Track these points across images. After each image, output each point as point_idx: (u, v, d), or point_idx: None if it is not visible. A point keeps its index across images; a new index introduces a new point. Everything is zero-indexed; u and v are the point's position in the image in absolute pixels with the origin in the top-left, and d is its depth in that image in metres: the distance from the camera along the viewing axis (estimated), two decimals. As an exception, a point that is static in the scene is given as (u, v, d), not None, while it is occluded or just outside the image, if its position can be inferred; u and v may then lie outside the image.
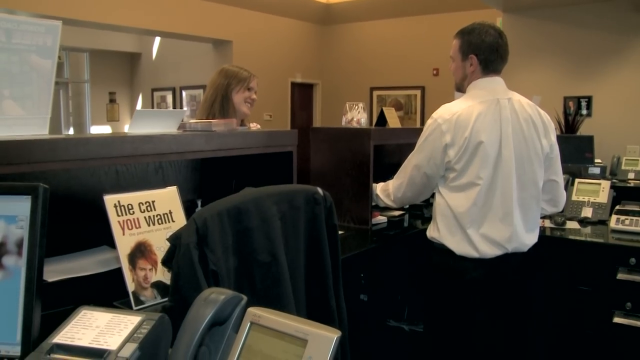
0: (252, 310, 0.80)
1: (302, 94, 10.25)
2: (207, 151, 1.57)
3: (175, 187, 1.48)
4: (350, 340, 2.39)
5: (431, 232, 2.14)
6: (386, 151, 3.14)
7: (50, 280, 1.28)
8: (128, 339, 0.80)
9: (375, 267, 2.53)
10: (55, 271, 1.33)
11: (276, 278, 1.27)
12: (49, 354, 0.78)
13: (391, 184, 2.30)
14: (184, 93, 9.48)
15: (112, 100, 9.64)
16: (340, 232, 2.44)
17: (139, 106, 10.49)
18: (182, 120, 1.67)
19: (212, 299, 0.81)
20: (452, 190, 2.02)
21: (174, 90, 9.70)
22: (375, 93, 10.03)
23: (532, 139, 2.03)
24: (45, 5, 6.49)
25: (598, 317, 2.46)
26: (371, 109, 10.04)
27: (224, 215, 1.20)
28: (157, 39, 9.92)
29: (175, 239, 1.17)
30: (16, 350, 0.82)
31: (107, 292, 1.33)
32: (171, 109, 9.63)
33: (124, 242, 1.32)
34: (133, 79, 10.70)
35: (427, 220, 2.66)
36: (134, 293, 1.31)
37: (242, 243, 1.23)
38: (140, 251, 1.34)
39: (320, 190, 1.43)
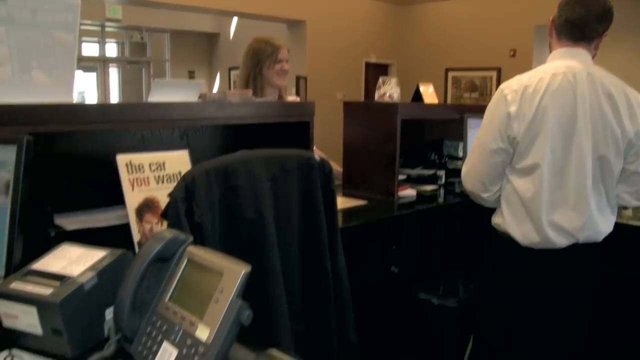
0: (190, 248, 0.91)
1: (377, 74, 10.16)
2: (218, 119, 1.69)
3: (187, 150, 1.62)
4: (375, 310, 2.46)
5: (496, 219, 2.02)
6: (426, 127, 3.16)
7: (69, 228, 1.46)
8: (89, 269, 0.94)
9: (407, 240, 2.58)
10: (76, 222, 1.50)
11: (261, 235, 1.37)
12: (25, 276, 0.93)
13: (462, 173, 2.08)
14: (259, 72, 9.73)
15: (191, 79, 10.08)
16: (363, 203, 2.53)
17: (216, 85, 10.90)
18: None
19: (159, 237, 0.92)
20: (519, 174, 1.89)
21: (249, 69, 9.98)
22: (451, 74, 9.85)
23: (610, 120, 1.82)
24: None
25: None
26: (446, 90, 9.87)
27: (212, 173, 1.31)
28: (235, 20, 10.23)
29: (170, 195, 1.31)
30: (0, 273, 0.98)
31: (120, 241, 1.48)
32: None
33: (133, 197, 1.47)
34: (211, 58, 11.12)
35: (460, 195, 2.68)
36: (139, 243, 1.46)
37: (229, 200, 1.33)
38: (148, 206, 1.49)
39: (316, 155, 1.52)
